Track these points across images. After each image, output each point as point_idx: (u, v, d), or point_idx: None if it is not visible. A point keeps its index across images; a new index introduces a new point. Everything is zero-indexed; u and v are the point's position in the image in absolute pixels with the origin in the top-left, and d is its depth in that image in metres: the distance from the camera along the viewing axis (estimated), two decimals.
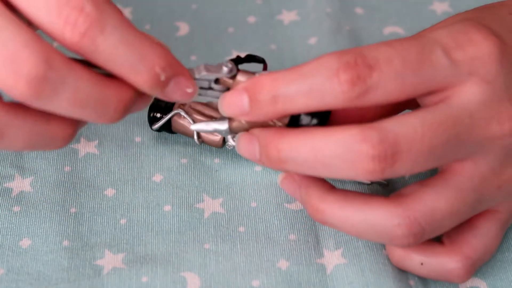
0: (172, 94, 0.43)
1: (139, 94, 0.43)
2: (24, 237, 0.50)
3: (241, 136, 0.46)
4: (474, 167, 0.44)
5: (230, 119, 0.47)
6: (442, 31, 0.44)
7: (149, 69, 0.42)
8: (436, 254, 0.47)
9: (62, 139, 0.43)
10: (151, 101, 0.45)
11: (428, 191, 0.44)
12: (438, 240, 0.48)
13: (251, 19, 0.65)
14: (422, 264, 0.47)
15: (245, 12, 0.66)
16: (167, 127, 0.55)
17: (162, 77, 0.42)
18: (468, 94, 0.43)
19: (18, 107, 0.42)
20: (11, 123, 0.42)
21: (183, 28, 0.64)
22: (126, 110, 0.43)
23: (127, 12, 0.65)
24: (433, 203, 0.44)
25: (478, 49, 0.43)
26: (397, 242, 0.45)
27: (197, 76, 0.46)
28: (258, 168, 0.54)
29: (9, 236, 0.51)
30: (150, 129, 0.55)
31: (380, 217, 0.44)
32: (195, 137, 0.54)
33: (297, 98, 0.43)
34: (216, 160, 0.55)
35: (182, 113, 0.53)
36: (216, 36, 0.63)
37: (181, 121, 0.54)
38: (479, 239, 0.47)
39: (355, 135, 0.42)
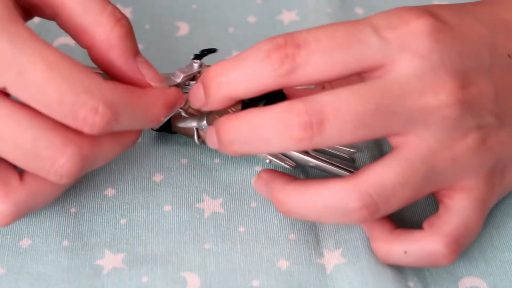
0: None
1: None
2: (24, 237, 0.50)
3: (207, 129, 0.49)
4: (419, 140, 0.45)
5: (207, 115, 0.51)
6: (376, 15, 0.46)
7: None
8: (417, 240, 0.47)
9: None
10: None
11: (377, 165, 0.46)
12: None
13: (251, 19, 0.65)
14: (405, 252, 0.47)
15: (245, 12, 0.66)
16: (167, 127, 0.55)
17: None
18: (401, 68, 0.45)
19: None
20: None
21: (183, 28, 0.64)
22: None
23: (127, 12, 0.65)
24: (382, 175, 0.45)
25: (409, 27, 0.45)
26: (352, 218, 0.46)
27: (178, 80, 0.51)
28: (258, 168, 0.54)
29: (9, 236, 0.50)
30: (150, 129, 0.55)
31: (333, 194, 0.46)
32: (195, 137, 0.54)
33: (236, 82, 0.46)
34: (216, 160, 0.55)
35: (182, 113, 0.53)
36: (216, 36, 0.63)
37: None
38: (456, 217, 0.47)
39: (284, 107, 0.45)
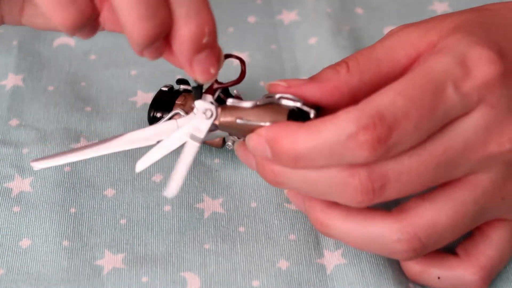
0: (198, 64, 0.45)
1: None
2: (24, 237, 0.50)
3: (239, 144, 0.47)
4: (475, 182, 0.44)
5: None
6: (448, 60, 0.43)
7: (200, 24, 0.44)
8: (452, 268, 0.47)
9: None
10: None
11: (428, 206, 0.44)
12: (452, 252, 0.48)
13: (251, 19, 0.65)
14: (439, 278, 0.47)
15: (245, 12, 0.66)
16: None
17: (205, 40, 0.44)
18: (469, 120, 0.43)
19: None
20: None
21: None
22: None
23: None
24: (434, 217, 0.44)
25: (484, 74, 0.43)
26: (397, 256, 0.45)
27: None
28: None
29: (9, 236, 0.50)
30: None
31: (380, 232, 0.44)
32: None
33: (318, 158, 0.43)
34: (216, 160, 0.55)
35: (182, 113, 0.53)
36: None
37: None
38: (493, 249, 0.47)
39: (346, 172, 0.43)
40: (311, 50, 0.62)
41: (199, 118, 0.47)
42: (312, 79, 0.46)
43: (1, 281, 0.48)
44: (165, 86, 0.56)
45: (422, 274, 0.48)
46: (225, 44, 0.62)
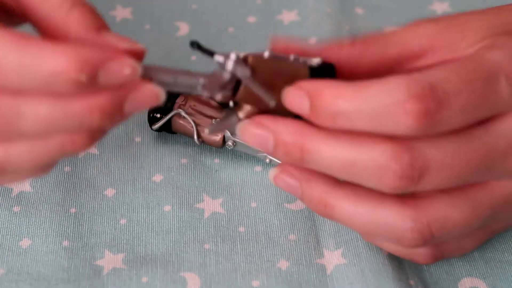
0: (109, 83, 0.38)
1: None
2: (24, 237, 0.50)
3: (247, 124, 0.43)
4: (497, 187, 0.44)
5: (234, 107, 0.44)
6: (503, 54, 0.42)
7: (66, 77, 0.37)
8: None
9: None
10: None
11: (445, 199, 0.43)
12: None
13: (251, 19, 0.65)
14: None
15: (245, 12, 0.66)
16: (167, 127, 0.55)
17: (83, 78, 0.37)
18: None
19: None
20: None
21: (183, 28, 0.64)
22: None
23: (127, 12, 0.65)
24: (448, 213, 0.43)
25: None
26: (404, 244, 0.44)
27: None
28: (258, 168, 0.54)
29: (9, 236, 0.50)
30: (150, 129, 0.55)
31: (393, 218, 0.43)
32: (195, 137, 0.54)
33: (357, 120, 0.41)
34: (216, 160, 0.55)
35: (182, 113, 0.53)
36: (216, 36, 0.63)
37: (181, 121, 0.54)
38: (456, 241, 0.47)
39: (388, 153, 0.41)
40: None
41: None
42: (317, 48, 0.44)
43: (1, 281, 0.48)
44: None
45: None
46: (225, 44, 0.63)
